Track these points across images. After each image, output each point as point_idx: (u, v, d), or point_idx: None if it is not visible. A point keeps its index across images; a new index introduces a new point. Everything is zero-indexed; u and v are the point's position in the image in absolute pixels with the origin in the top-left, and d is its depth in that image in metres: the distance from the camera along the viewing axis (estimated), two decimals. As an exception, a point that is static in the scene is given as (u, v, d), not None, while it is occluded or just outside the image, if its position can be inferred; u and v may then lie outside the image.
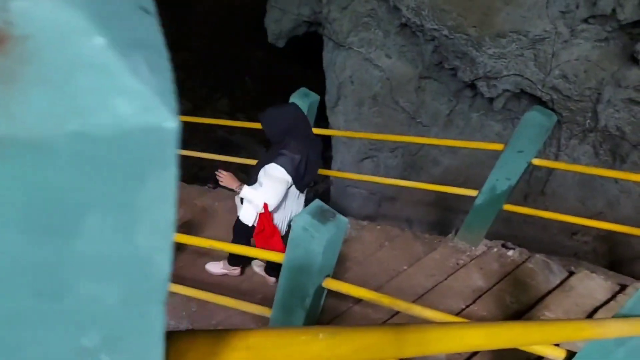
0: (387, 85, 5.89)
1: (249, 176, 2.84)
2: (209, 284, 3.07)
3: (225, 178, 2.61)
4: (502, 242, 3.36)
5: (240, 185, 2.62)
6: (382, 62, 5.89)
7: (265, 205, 2.57)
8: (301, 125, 2.60)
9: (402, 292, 2.98)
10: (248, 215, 2.75)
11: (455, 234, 3.45)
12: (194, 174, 8.20)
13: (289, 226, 2.73)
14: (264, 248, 2.61)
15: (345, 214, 6.05)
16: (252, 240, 2.81)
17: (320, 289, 2.07)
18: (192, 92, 9.29)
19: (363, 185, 6.24)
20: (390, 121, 6.04)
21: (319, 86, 4.98)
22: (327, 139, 8.77)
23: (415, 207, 5.88)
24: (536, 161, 2.95)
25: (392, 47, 5.76)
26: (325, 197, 7.76)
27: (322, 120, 6.00)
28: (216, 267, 3.24)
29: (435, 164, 5.99)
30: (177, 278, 3.06)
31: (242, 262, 3.17)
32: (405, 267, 3.22)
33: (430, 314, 1.93)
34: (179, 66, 10.61)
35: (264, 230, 2.62)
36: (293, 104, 2.72)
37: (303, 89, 3.43)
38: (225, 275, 3.22)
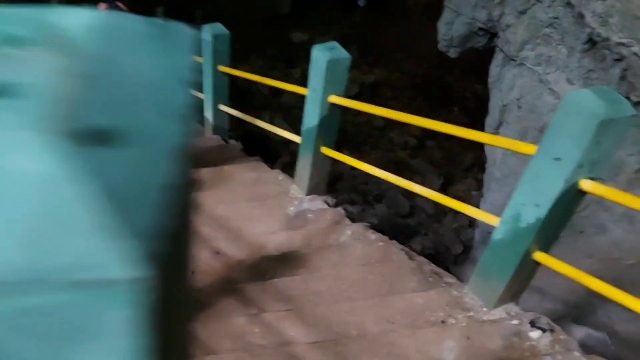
0: (562, 117, 4.49)
1: None
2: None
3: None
4: (535, 315, 2.05)
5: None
6: (561, 87, 4.52)
7: None
8: None
9: (327, 322, 2.06)
10: None
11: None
12: (355, 186, 7.93)
13: None
14: None
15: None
16: None
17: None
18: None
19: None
20: (555, 163, 4.58)
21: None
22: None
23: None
24: None
25: (576, 69, 4.38)
26: (469, 243, 6.49)
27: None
28: None
29: (601, 231, 4.34)
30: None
31: None
32: (360, 298, 2.23)
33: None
34: (389, 85, 10.56)
35: None
36: None
37: (333, 43, 2.76)
38: None
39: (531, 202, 1.84)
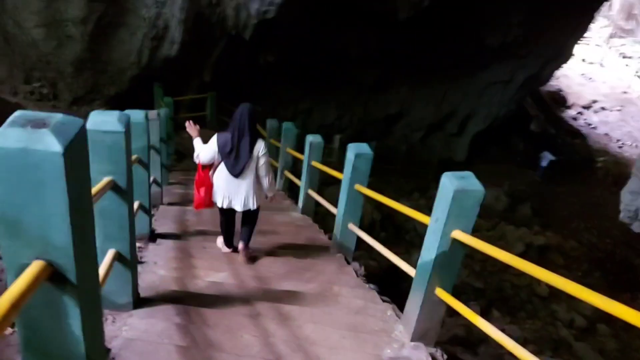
0: None
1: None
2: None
3: (191, 127, 3.52)
4: None
5: (196, 137, 3.53)
6: None
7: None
8: (237, 121, 3.37)
9: None
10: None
11: None
12: (501, 356, 6.93)
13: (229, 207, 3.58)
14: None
15: None
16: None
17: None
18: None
19: None
20: None
21: None
22: None
23: None
24: None
25: None
26: None
27: None
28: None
29: None
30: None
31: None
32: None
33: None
34: (561, 252, 9.35)
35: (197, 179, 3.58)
36: (245, 106, 3.40)
37: (467, 172, 2.46)
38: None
39: None
